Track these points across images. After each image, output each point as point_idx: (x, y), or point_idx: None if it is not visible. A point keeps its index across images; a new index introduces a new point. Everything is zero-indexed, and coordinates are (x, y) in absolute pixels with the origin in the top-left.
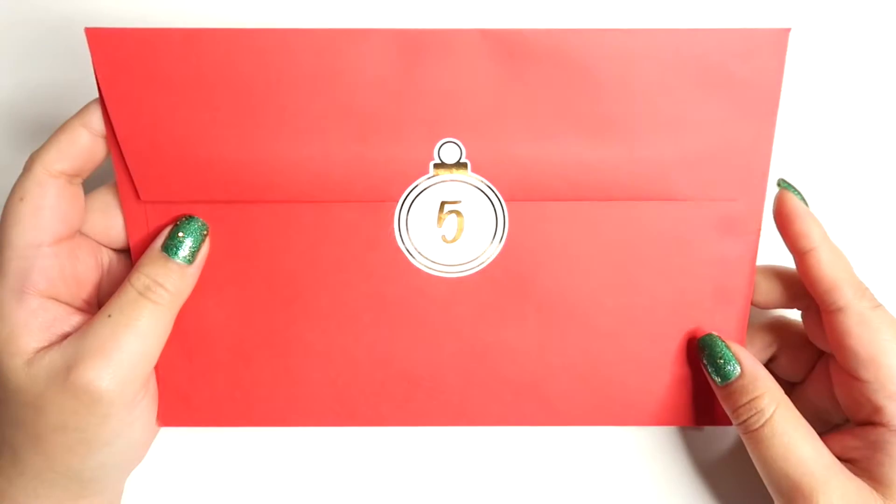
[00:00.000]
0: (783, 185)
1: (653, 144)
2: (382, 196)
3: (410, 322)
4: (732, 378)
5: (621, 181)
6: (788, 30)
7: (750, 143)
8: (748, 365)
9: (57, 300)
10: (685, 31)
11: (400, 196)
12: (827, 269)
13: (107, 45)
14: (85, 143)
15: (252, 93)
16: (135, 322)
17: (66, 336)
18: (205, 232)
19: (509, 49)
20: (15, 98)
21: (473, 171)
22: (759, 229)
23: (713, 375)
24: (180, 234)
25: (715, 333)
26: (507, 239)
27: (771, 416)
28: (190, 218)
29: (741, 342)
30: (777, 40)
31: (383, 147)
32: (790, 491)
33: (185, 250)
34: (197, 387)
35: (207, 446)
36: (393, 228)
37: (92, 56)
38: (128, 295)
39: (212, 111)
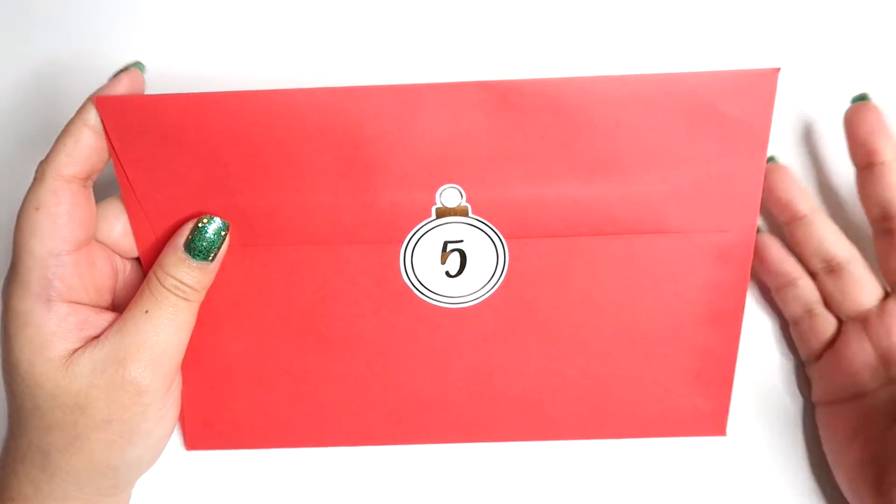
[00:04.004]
0: (863, 97)
1: (646, 182)
2: (388, 238)
3: (418, 349)
4: None
5: (616, 217)
6: (778, 69)
7: (741, 177)
8: None
9: (80, 304)
10: (675, 75)
11: (404, 238)
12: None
13: (116, 111)
14: (91, 143)
15: (260, 149)
16: (172, 316)
17: (96, 336)
18: (224, 232)
19: (505, 99)
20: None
21: (474, 213)
22: (751, 257)
23: None
24: (201, 236)
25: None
26: (507, 273)
27: None
28: (210, 219)
29: (733, 361)
30: (766, 80)
31: (387, 194)
32: None
33: (206, 251)
34: (220, 413)
35: (227, 465)
36: (399, 266)
37: (103, 123)
38: (160, 292)
39: (223, 167)
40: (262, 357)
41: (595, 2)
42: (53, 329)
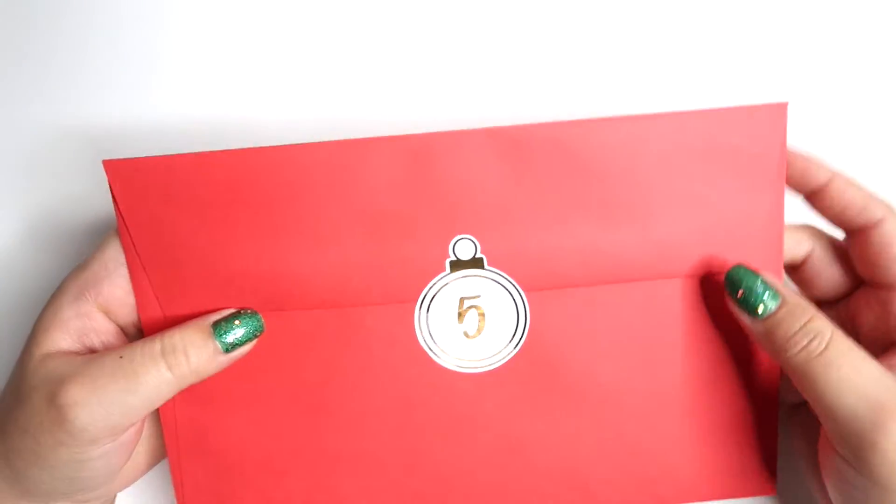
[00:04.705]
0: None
1: (665, 224)
2: (401, 297)
3: (439, 421)
4: (775, 307)
5: (637, 262)
6: (786, 104)
7: (761, 214)
8: (787, 291)
9: (107, 316)
10: (686, 114)
11: (418, 296)
12: (854, 189)
13: (124, 174)
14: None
15: (268, 207)
16: (139, 376)
17: (92, 351)
18: (258, 333)
19: (515, 145)
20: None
21: (490, 265)
22: None
23: (751, 309)
24: (237, 322)
25: (742, 264)
26: (529, 330)
27: (832, 335)
28: (254, 313)
29: (775, 408)
30: (776, 114)
31: (399, 247)
32: (871, 410)
33: (230, 337)
34: None
35: None
36: (414, 329)
37: (110, 185)
38: (150, 347)
39: (230, 228)
40: (271, 440)
41: (597, 44)
42: (63, 320)
